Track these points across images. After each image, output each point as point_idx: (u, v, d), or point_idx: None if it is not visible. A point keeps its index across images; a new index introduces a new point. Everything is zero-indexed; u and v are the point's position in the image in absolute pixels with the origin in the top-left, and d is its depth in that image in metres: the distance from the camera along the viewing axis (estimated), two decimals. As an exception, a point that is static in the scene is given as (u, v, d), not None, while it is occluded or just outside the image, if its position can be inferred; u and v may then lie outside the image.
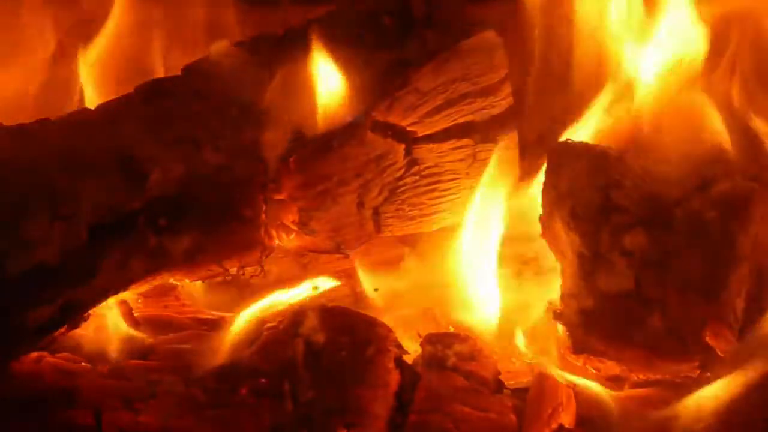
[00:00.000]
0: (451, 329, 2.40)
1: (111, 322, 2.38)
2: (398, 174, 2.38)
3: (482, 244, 2.41)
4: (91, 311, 2.25)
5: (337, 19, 2.45)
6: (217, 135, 2.28)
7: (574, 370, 2.27)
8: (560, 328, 2.27)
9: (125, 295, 2.36)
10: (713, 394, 2.14)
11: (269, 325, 2.27)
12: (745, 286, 2.20)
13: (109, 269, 2.16)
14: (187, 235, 2.23)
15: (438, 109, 2.39)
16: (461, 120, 2.42)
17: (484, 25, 2.44)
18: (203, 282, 2.44)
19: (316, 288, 2.45)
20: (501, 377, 2.28)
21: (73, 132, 2.24)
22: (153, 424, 2.13)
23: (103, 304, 2.26)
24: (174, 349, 2.32)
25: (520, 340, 2.36)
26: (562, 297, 2.27)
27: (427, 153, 2.40)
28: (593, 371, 2.26)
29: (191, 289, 2.48)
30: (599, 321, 2.22)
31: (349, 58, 2.35)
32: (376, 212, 2.38)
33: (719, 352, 2.15)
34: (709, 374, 2.17)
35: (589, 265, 2.23)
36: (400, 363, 2.24)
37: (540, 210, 2.32)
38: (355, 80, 2.34)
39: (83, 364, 2.26)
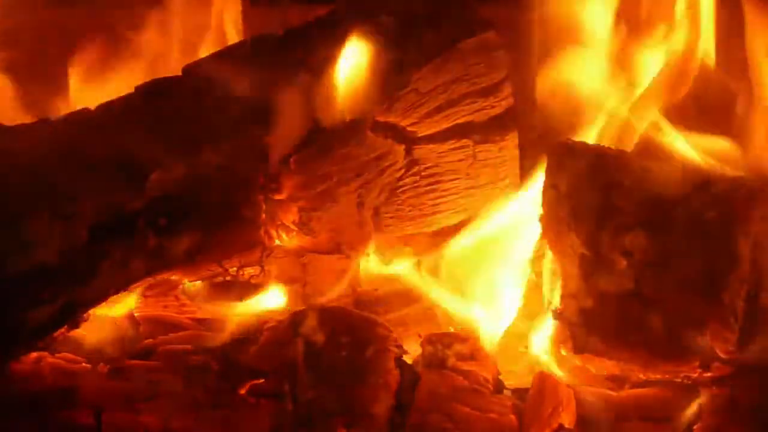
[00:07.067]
0: (451, 329, 2.40)
1: (111, 322, 2.38)
2: (398, 174, 2.38)
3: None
4: (91, 311, 2.25)
5: (339, 19, 2.45)
6: (217, 135, 2.27)
7: (574, 370, 2.27)
8: (560, 328, 2.27)
9: (125, 295, 2.36)
10: (713, 393, 2.14)
11: (269, 325, 2.28)
12: (745, 286, 2.20)
13: (109, 269, 2.16)
14: (187, 235, 2.23)
15: (438, 110, 2.39)
16: (461, 120, 2.42)
17: (485, 26, 2.44)
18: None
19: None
20: (501, 377, 2.28)
21: (73, 132, 2.23)
22: (153, 424, 2.13)
23: (103, 304, 2.26)
24: (174, 349, 2.32)
25: (521, 341, 2.36)
26: (562, 297, 2.27)
27: (427, 153, 2.40)
28: (593, 371, 2.26)
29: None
30: (599, 321, 2.22)
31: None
32: (376, 212, 2.38)
33: (719, 352, 2.15)
34: (709, 374, 2.17)
35: (589, 265, 2.23)
36: (400, 363, 2.24)
37: (540, 210, 2.32)
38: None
39: (83, 364, 2.26)
